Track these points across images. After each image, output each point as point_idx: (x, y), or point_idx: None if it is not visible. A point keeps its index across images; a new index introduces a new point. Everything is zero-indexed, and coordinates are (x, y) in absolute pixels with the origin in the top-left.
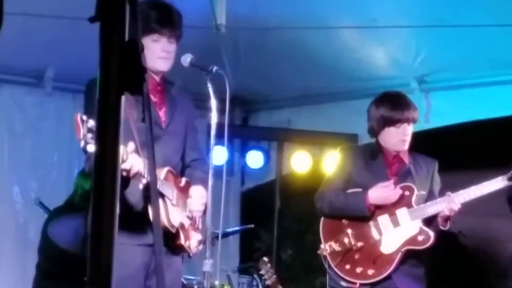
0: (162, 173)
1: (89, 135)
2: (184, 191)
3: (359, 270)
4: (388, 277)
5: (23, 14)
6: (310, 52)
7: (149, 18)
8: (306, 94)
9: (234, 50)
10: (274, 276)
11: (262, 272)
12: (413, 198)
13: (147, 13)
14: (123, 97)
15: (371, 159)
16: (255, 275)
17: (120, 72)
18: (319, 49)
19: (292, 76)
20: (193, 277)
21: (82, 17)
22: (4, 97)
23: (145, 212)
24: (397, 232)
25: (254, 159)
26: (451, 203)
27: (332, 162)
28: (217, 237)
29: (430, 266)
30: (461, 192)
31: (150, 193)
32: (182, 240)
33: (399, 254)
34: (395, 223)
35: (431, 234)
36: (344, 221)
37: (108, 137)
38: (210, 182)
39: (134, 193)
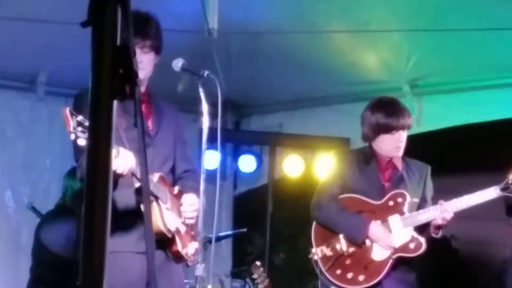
0: (155, 177)
1: (79, 129)
2: (178, 198)
3: (350, 275)
4: (379, 283)
5: (15, 19)
6: (302, 57)
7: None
8: (298, 98)
9: (226, 55)
10: (267, 280)
11: (255, 276)
12: (406, 205)
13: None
14: (114, 102)
15: (365, 164)
16: (247, 279)
17: (112, 76)
18: (311, 53)
19: (284, 80)
20: (185, 281)
21: (74, 22)
22: None
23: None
24: None
25: (247, 163)
26: (444, 212)
27: (325, 166)
28: (210, 241)
29: (422, 270)
30: (454, 200)
31: (143, 196)
32: (179, 247)
33: (390, 261)
34: (387, 230)
35: (423, 241)
36: None
37: (100, 141)
38: (202, 187)
39: (130, 199)
